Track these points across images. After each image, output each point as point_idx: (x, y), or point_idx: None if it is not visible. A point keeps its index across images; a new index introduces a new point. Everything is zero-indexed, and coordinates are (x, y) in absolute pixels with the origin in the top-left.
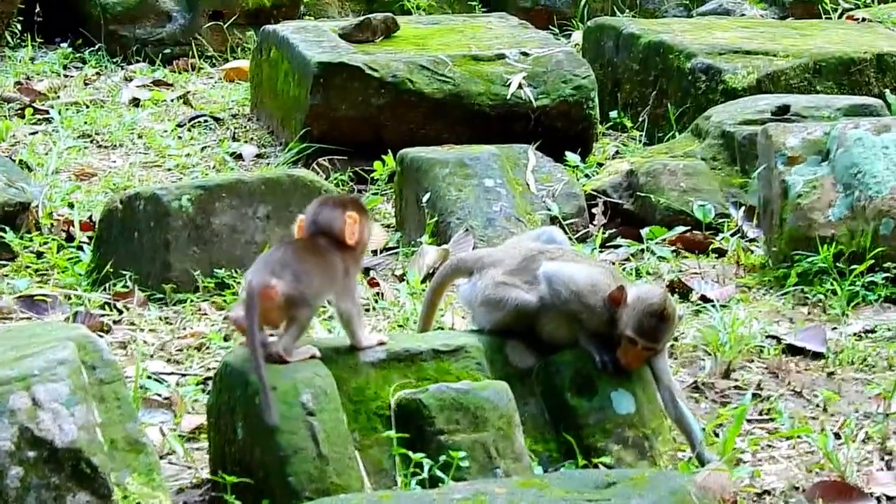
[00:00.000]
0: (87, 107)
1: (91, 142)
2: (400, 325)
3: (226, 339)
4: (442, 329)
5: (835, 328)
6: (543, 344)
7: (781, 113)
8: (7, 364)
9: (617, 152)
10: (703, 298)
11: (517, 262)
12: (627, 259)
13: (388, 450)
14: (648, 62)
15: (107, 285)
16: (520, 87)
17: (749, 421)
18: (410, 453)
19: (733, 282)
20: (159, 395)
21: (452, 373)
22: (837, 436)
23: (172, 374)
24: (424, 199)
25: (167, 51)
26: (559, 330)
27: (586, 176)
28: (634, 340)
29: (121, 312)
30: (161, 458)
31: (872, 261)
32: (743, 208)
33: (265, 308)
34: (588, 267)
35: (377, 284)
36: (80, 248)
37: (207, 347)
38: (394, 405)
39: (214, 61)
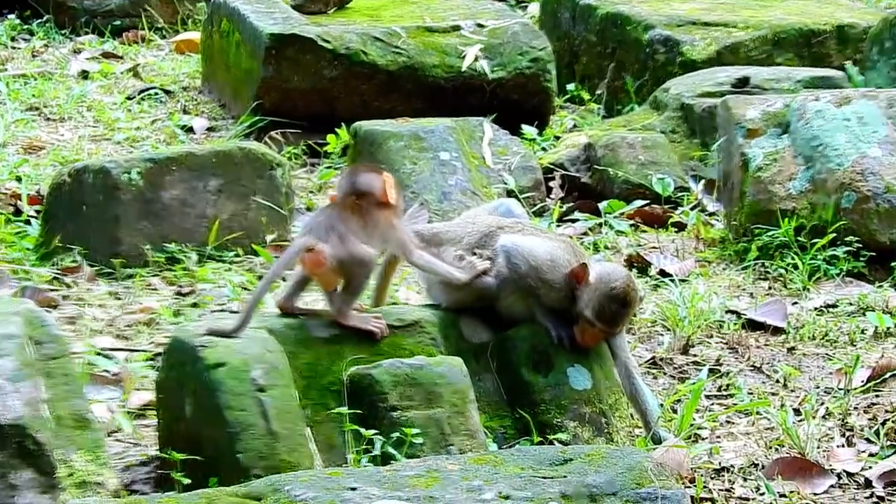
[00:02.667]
0: (35, 79)
1: (39, 115)
2: None
3: (175, 314)
4: (395, 304)
5: (795, 303)
6: (500, 319)
7: (741, 85)
8: None
9: (574, 125)
10: (662, 273)
11: (476, 239)
12: (585, 233)
13: (340, 426)
14: (606, 34)
15: (55, 260)
16: (475, 59)
17: (708, 397)
18: (362, 430)
19: (693, 256)
20: (108, 372)
21: (406, 348)
22: (797, 412)
23: (121, 350)
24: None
25: (116, 22)
26: (516, 305)
27: (543, 149)
28: (593, 323)
29: (69, 287)
30: (109, 434)
31: (834, 234)
32: (702, 182)
33: (318, 273)
34: (547, 241)
35: None
36: (27, 222)
37: (157, 323)
38: (346, 381)
39: (165, 33)
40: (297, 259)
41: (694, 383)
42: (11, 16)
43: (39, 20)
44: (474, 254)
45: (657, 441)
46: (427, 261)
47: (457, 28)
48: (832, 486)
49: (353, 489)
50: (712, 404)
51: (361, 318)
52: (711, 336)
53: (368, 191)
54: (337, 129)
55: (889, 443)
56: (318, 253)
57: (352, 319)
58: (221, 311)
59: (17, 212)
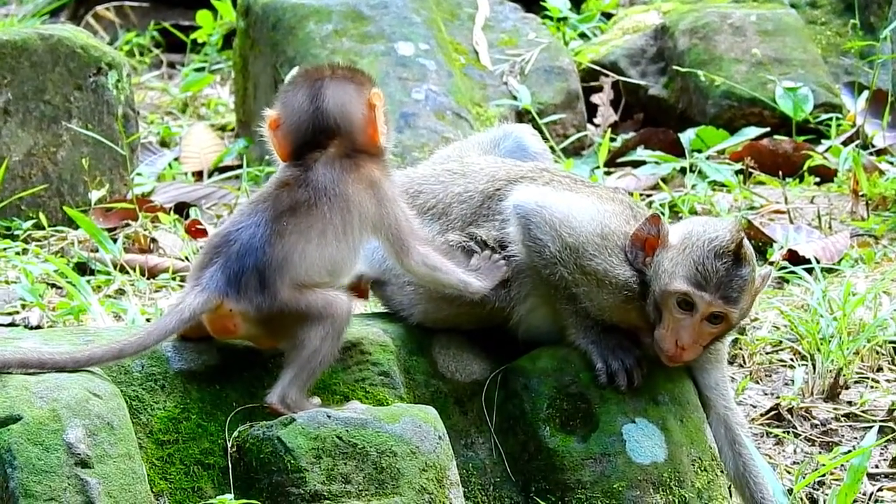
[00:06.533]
0: None
1: None
2: None
3: None
4: None
5: None
6: (505, 338)
7: None
8: None
9: None
10: (793, 257)
11: (472, 207)
12: (656, 186)
13: None
14: None
15: None
16: None
17: (873, 476)
18: None
19: (847, 228)
20: None
21: (338, 390)
22: None
23: None
24: (290, 78)
25: None
26: (536, 313)
27: (582, 36)
28: (688, 298)
29: None
30: None
31: None
32: (865, 94)
33: (233, 337)
34: (593, 201)
35: (204, 233)
36: None
37: None
38: (233, 448)
39: None
40: (188, 325)
41: (848, 452)
42: None
43: None
44: (476, 240)
45: None
46: (434, 264)
47: None
48: None
49: None
50: (880, 489)
51: (315, 402)
52: (879, 370)
53: (346, 127)
54: (213, 2)
55: None
56: (226, 317)
57: (310, 408)
58: (11, 324)
59: None
